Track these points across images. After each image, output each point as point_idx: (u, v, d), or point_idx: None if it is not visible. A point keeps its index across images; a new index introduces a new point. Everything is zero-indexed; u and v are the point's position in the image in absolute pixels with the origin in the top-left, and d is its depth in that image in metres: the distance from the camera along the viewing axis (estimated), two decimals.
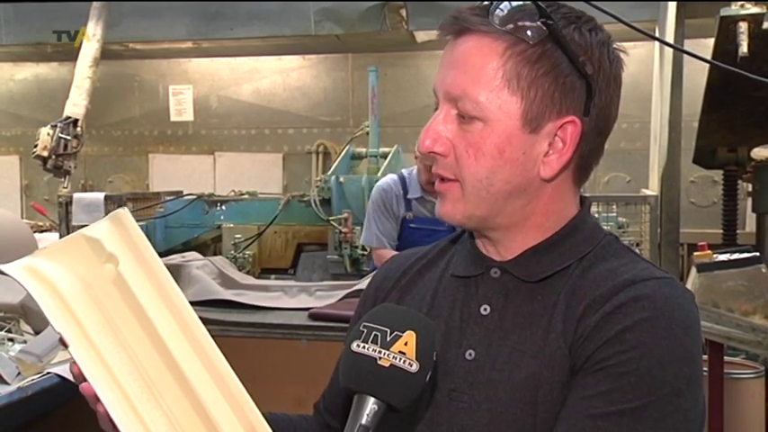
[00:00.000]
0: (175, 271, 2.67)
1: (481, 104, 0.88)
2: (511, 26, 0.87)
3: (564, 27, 0.88)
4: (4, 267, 0.85)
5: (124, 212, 0.89)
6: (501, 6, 0.88)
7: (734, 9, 2.81)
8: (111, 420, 0.82)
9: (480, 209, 0.91)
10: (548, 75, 0.88)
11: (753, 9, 2.84)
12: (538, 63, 0.87)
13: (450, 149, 0.90)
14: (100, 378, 0.82)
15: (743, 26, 2.78)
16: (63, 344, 0.83)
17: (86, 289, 0.85)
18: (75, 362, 0.83)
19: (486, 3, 0.89)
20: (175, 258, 3.03)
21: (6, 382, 1.62)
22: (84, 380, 0.83)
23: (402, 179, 3.40)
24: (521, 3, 0.88)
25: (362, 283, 2.69)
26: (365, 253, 3.98)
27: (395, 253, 3.35)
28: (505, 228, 0.93)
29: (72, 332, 0.83)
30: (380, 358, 0.79)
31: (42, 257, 0.87)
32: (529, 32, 0.87)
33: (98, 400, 0.82)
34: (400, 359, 0.79)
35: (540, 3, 0.87)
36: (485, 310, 0.93)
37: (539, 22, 0.87)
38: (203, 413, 0.82)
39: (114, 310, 0.85)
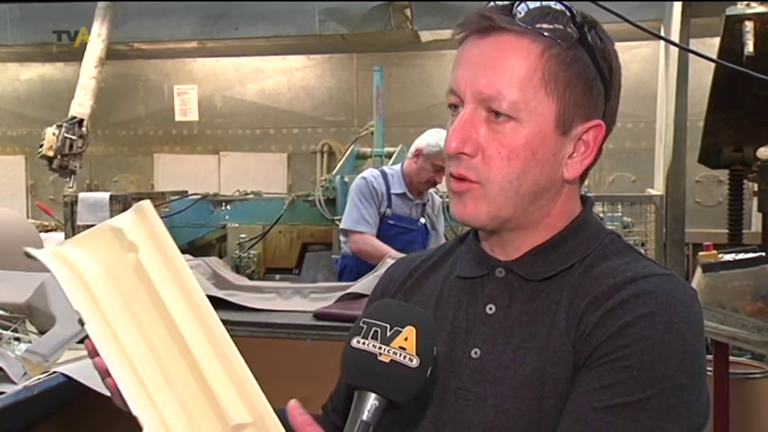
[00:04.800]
0: None
1: (517, 105, 0.88)
2: (545, 27, 0.87)
3: (588, 31, 0.89)
4: (34, 252, 0.87)
5: (146, 204, 0.91)
6: (526, 5, 0.88)
7: (740, 8, 2.80)
8: (121, 395, 0.83)
9: (505, 209, 0.91)
10: (579, 78, 0.89)
11: (759, 8, 2.82)
12: (571, 66, 0.88)
13: (477, 150, 0.90)
14: (111, 352, 0.84)
15: (749, 25, 2.77)
16: (81, 323, 0.85)
17: (109, 274, 0.88)
18: (89, 338, 0.85)
19: (506, 2, 0.89)
20: None
21: (13, 382, 1.63)
22: (97, 354, 0.85)
23: (384, 174, 3.43)
24: (548, 3, 0.88)
25: (356, 286, 2.68)
26: None
27: (371, 237, 3.30)
28: (521, 228, 0.94)
29: (89, 310, 0.85)
30: (381, 354, 0.79)
31: (70, 245, 0.91)
32: (564, 35, 0.88)
33: (108, 374, 0.84)
34: (400, 354, 0.79)
35: (570, 6, 0.88)
36: (490, 309, 0.94)
37: (572, 26, 0.88)
38: (212, 398, 0.84)
39: (134, 295, 0.87)
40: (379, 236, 3.32)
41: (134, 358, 0.84)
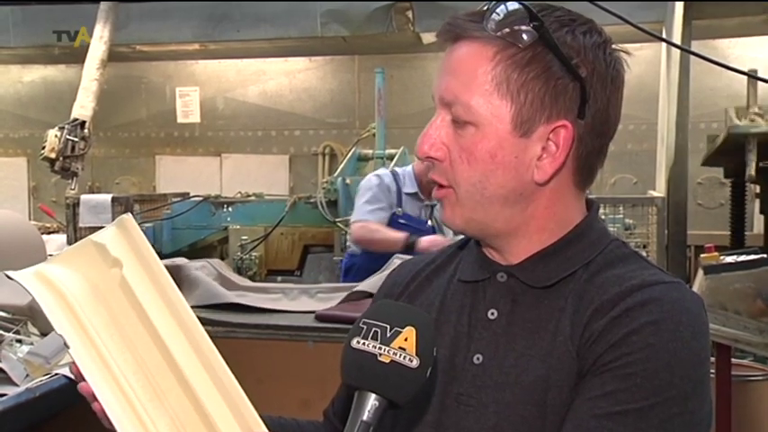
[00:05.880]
0: (175, 272, 2.66)
1: (472, 109, 0.88)
2: (502, 31, 0.87)
3: (556, 30, 0.87)
4: (13, 274, 0.87)
5: (128, 218, 0.92)
6: (497, 11, 0.87)
7: (743, 126, 2.74)
8: (108, 417, 0.83)
9: (477, 213, 0.91)
10: (538, 78, 0.87)
11: (763, 126, 2.77)
12: (528, 67, 0.87)
13: (445, 154, 0.91)
14: (97, 375, 0.84)
15: (752, 146, 2.71)
16: (66, 346, 0.85)
17: (95, 292, 0.88)
18: (75, 362, 0.85)
19: (482, 8, 0.89)
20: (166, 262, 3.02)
21: (15, 384, 1.63)
22: (83, 379, 0.85)
23: (395, 174, 3.44)
24: (515, 7, 0.87)
25: (363, 285, 2.68)
26: None
27: (373, 222, 3.25)
28: (507, 234, 0.93)
29: (72, 332, 0.85)
30: (381, 354, 0.79)
31: (53, 263, 0.91)
32: (519, 36, 0.87)
33: (95, 398, 0.84)
34: (400, 355, 0.79)
35: (529, 6, 0.87)
36: (492, 314, 0.93)
37: (529, 26, 0.87)
38: (203, 413, 0.84)
39: (121, 312, 0.87)
40: None
41: (121, 379, 0.84)
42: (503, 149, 0.89)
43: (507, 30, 0.87)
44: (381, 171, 3.51)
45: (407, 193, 3.38)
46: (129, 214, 0.93)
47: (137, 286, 0.87)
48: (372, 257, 3.28)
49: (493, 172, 0.89)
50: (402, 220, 3.35)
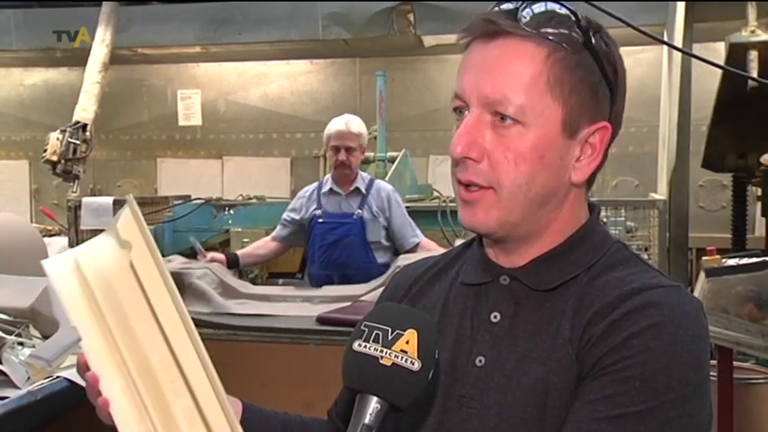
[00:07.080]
0: (176, 280, 2.66)
1: (523, 109, 0.88)
2: (550, 31, 0.88)
3: (593, 35, 0.90)
4: (45, 263, 0.88)
5: (129, 199, 0.92)
6: (530, 10, 0.88)
7: (744, 36, 2.76)
8: (109, 414, 0.84)
9: (515, 215, 0.90)
10: (584, 82, 0.89)
11: (763, 36, 2.79)
12: (576, 70, 0.89)
13: (483, 155, 0.89)
14: (106, 365, 0.85)
15: (753, 54, 2.73)
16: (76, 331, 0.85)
17: (112, 281, 0.88)
18: (84, 354, 0.85)
19: (514, 6, 0.89)
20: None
21: (17, 387, 1.64)
22: (88, 369, 0.85)
23: (320, 183, 3.58)
24: (552, 7, 0.89)
25: (367, 296, 2.68)
26: None
27: (258, 243, 3.55)
28: (529, 235, 0.94)
29: (92, 324, 0.86)
30: (382, 357, 0.79)
31: (80, 252, 0.91)
32: (571, 40, 0.88)
33: (98, 388, 0.84)
34: (402, 358, 0.79)
35: (575, 10, 0.89)
36: (495, 317, 0.93)
37: (578, 31, 0.88)
38: (199, 409, 0.84)
39: (131, 299, 0.87)
40: (314, 236, 3.46)
41: (131, 368, 0.85)
42: (551, 150, 0.89)
43: (557, 32, 0.88)
44: (309, 186, 3.67)
45: (326, 192, 3.48)
46: (130, 195, 0.93)
47: (143, 273, 0.87)
48: (323, 271, 3.40)
49: (539, 173, 0.89)
50: (321, 220, 3.46)
